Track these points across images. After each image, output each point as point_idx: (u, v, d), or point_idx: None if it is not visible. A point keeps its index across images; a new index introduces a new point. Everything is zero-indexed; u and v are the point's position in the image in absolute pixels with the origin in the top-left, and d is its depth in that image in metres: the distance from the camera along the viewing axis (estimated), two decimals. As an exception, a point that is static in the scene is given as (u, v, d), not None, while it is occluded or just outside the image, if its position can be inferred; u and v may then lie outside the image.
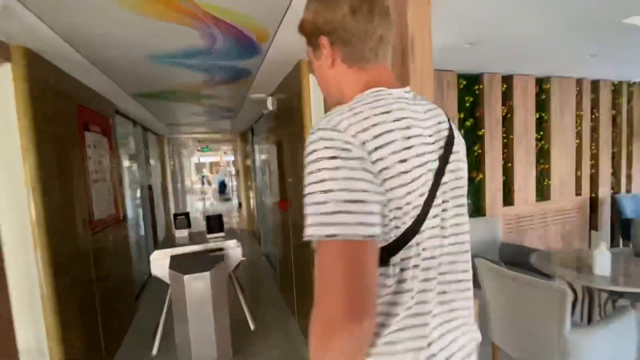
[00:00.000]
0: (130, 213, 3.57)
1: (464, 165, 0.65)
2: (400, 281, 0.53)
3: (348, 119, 0.50)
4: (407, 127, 0.53)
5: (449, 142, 0.60)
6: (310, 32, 0.64)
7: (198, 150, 10.80)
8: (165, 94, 3.01)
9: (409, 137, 0.52)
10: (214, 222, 2.63)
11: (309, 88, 2.25)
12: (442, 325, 0.58)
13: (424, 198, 0.53)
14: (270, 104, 3.07)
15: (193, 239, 2.68)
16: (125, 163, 3.65)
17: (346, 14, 0.58)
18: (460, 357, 0.60)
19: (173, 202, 6.53)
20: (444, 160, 0.58)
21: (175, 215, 2.68)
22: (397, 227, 0.51)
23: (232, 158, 10.81)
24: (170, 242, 2.63)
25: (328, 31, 0.60)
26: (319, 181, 0.47)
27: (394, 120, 0.52)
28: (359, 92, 0.57)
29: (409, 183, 0.51)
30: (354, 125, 0.49)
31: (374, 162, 0.48)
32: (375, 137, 0.49)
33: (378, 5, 0.59)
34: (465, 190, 0.64)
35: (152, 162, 5.45)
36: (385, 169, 0.49)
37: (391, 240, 0.51)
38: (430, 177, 0.55)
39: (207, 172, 13.62)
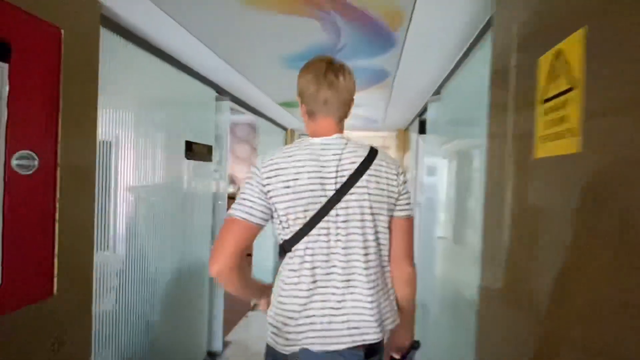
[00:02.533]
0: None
1: (369, 197, 0.92)
2: (292, 266, 0.91)
3: (267, 160, 0.93)
4: (302, 166, 0.90)
5: (352, 178, 0.90)
6: (297, 92, 1.02)
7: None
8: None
9: (298, 172, 0.89)
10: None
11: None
12: (322, 304, 0.89)
13: (309, 213, 0.89)
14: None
15: None
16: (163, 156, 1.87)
17: (304, 84, 0.97)
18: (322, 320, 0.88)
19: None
20: (340, 192, 0.89)
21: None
22: (286, 228, 0.91)
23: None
24: None
25: (300, 93, 1.00)
26: (240, 192, 0.93)
27: (293, 160, 0.91)
28: (308, 134, 1.01)
29: (288, 200, 0.89)
30: (264, 162, 0.92)
31: (264, 185, 0.90)
32: (271, 170, 0.90)
33: (327, 80, 0.93)
34: (367, 216, 0.92)
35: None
36: (271, 190, 0.89)
37: (288, 237, 0.91)
38: (318, 201, 0.89)
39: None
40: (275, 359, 0.93)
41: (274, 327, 0.91)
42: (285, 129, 4.50)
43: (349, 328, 0.88)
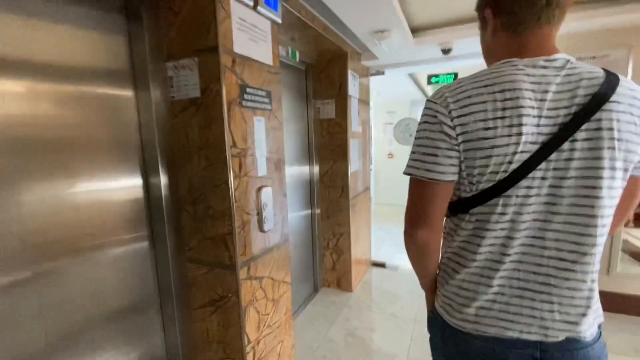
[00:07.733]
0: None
1: (617, 144, 0.61)
2: (475, 232, 0.69)
3: (450, 91, 0.66)
4: (509, 98, 0.61)
5: (587, 114, 0.60)
6: (478, 6, 0.75)
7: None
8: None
9: (504, 109, 0.61)
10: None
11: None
12: (520, 283, 0.68)
13: (512, 166, 0.62)
14: None
15: None
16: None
17: None
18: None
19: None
20: (563, 134, 0.61)
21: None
22: (472, 184, 0.67)
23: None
24: None
25: (492, 3, 0.70)
26: (415, 138, 0.70)
27: (492, 93, 0.62)
28: (506, 57, 0.67)
29: (488, 148, 0.62)
30: (450, 97, 0.65)
31: (454, 127, 0.64)
32: (462, 107, 0.63)
33: None
34: (606, 173, 0.62)
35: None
36: (464, 133, 0.63)
37: (469, 195, 0.68)
38: (528, 148, 0.61)
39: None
40: (443, 330, 0.78)
41: (449, 297, 0.76)
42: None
43: (561, 321, 0.67)
